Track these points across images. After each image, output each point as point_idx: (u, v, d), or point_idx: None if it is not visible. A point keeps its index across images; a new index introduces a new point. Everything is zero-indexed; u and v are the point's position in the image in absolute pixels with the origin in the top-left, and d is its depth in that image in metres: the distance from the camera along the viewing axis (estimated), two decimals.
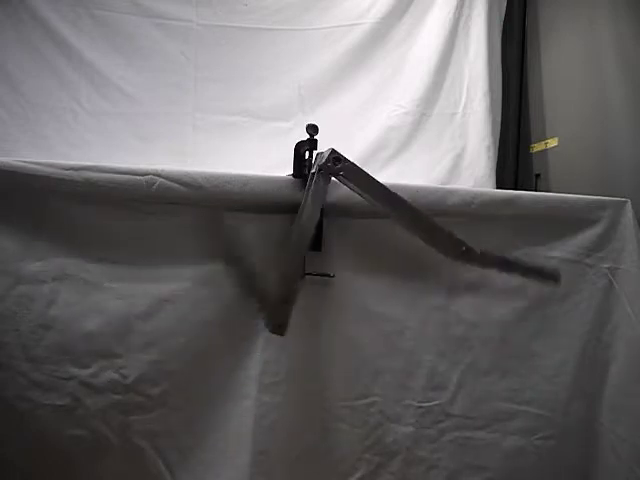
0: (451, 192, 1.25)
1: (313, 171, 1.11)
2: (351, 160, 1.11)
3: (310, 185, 1.09)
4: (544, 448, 1.25)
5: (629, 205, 1.29)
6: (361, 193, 1.12)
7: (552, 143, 1.97)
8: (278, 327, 1.09)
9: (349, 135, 2.04)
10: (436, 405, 1.23)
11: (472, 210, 1.24)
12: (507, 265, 1.21)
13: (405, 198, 1.14)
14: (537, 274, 1.23)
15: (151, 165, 1.13)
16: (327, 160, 1.09)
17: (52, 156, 1.71)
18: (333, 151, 1.10)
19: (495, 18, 2.14)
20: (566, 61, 1.94)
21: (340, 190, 1.14)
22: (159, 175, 1.11)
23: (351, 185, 1.12)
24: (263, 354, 1.16)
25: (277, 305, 1.09)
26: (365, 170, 1.12)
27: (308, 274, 1.17)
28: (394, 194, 1.12)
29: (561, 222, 1.28)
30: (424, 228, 1.15)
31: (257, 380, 1.16)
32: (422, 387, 1.23)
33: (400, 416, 1.23)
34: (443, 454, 1.23)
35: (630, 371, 1.24)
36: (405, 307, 1.23)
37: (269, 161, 1.89)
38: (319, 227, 1.16)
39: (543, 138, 2.02)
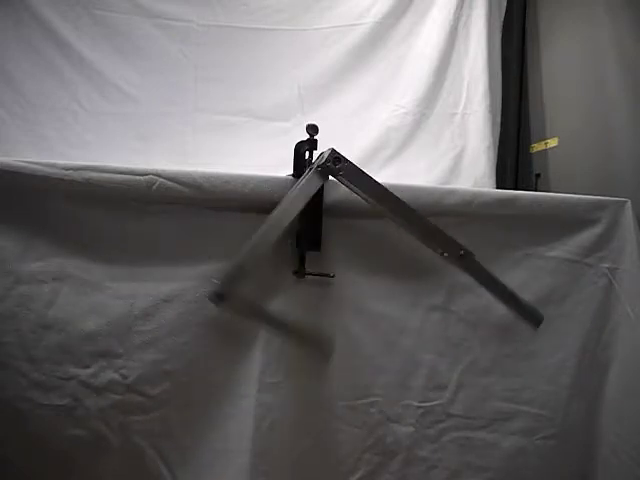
0: (451, 192, 1.25)
1: (310, 167, 1.11)
2: (351, 160, 1.12)
3: (302, 179, 1.10)
4: (545, 448, 1.25)
5: (629, 205, 1.29)
6: (360, 193, 1.12)
7: (552, 143, 1.97)
8: (215, 294, 1.08)
9: (349, 135, 2.04)
10: (436, 405, 1.23)
11: (472, 210, 1.24)
12: (496, 290, 1.19)
13: (405, 198, 1.14)
14: (522, 310, 1.21)
15: (151, 165, 1.13)
16: (327, 160, 1.09)
17: (52, 156, 1.71)
18: (333, 151, 1.10)
19: (495, 18, 2.14)
20: (566, 61, 1.94)
21: (340, 190, 1.14)
22: (159, 175, 1.11)
23: (350, 185, 1.12)
24: (263, 354, 1.16)
25: (227, 272, 1.08)
26: (364, 171, 1.12)
27: (308, 274, 1.17)
28: (392, 195, 1.12)
29: (561, 222, 1.28)
30: (421, 229, 1.14)
31: (257, 380, 1.16)
32: (422, 387, 1.23)
33: (400, 416, 1.23)
34: (443, 454, 1.23)
35: (630, 371, 1.24)
36: (405, 307, 1.23)
37: (269, 161, 1.88)
38: (319, 227, 1.16)
39: (543, 138, 2.02)
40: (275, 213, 1.09)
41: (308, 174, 1.10)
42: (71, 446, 1.10)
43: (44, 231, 1.10)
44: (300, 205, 1.09)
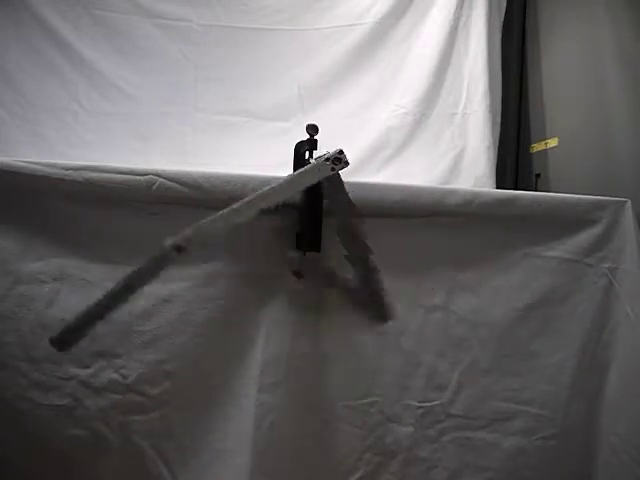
0: (451, 192, 1.25)
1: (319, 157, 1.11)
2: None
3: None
4: (545, 448, 1.25)
5: (629, 205, 1.29)
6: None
7: (552, 143, 1.97)
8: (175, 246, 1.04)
9: (349, 135, 2.04)
10: (436, 405, 1.23)
11: (472, 210, 1.24)
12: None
13: (405, 198, 1.14)
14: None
15: (151, 165, 1.13)
16: (328, 158, 1.09)
17: (52, 156, 1.72)
18: (341, 151, 1.10)
19: (495, 18, 2.14)
20: (566, 61, 1.94)
21: None
22: (159, 175, 1.11)
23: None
24: (263, 354, 1.16)
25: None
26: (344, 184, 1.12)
27: (308, 274, 1.17)
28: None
29: (561, 222, 1.28)
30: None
31: (257, 380, 1.16)
32: (422, 387, 1.23)
33: (400, 416, 1.22)
34: (443, 454, 1.23)
35: (630, 371, 1.24)
36: (405, 307, 1.23)
37: (269, 161, 1.89)
38: (319, 227, 1.16)
39: (543, 138, 2.02)
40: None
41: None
42: (71, 446, 1.10)
43: (44, 231, 1.10)
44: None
